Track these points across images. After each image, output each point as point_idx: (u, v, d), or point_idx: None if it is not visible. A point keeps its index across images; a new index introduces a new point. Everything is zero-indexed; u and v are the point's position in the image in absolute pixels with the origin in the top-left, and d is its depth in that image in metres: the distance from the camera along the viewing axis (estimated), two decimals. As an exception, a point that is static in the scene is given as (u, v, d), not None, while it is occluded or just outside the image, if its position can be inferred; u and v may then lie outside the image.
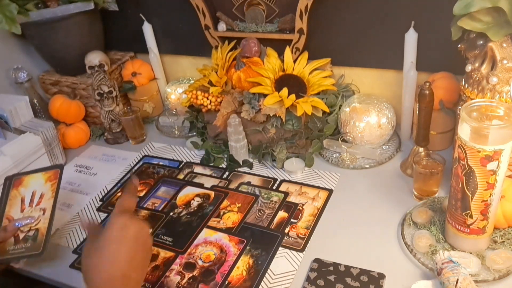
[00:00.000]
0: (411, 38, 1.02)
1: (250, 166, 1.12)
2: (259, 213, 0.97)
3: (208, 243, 0.91)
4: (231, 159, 1.13)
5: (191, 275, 0.85)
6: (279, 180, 1.06)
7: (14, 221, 0.84)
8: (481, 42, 0.85)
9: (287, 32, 1.14)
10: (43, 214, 0.85)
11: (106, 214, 1.03)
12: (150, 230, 0.70)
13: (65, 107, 1.28)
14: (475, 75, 0.85)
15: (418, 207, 0.90)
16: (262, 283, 0.81)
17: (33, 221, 0.83)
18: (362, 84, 1.17)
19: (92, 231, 0.68)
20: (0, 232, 0.81)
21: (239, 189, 1.05)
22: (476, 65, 0.85)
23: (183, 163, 1.18)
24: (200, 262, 0.87)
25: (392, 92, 1.15)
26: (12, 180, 0.93)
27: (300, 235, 0.90)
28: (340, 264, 0.82)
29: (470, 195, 0.72)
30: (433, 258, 0.77)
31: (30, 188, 0.90)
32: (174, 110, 1.34)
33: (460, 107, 0.87)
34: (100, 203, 1.08)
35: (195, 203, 1.02)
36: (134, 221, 0.66)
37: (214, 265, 0.86)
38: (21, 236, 0.83)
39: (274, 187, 1.04)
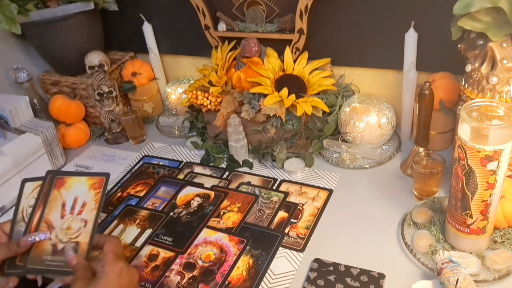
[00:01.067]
0: (411, 38, 1.02)
1: (250, 166, 1.12)
2: (259, 213, 0.97)
3: (208, 243, 0.91)
4: (231, 159, 1.13)
5: (191, 275, 0.85)
6: (279, 180, 1.06)
7: (28, 235, 0.75)
8: (481, 42, 0.85)
9: (287, 32, 1.14)
10: (84, 226, 0.76)
11: (105, 214, 1.03)
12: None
13: (65, 107, 1.28)
14: (475, 75, 0.85)
15: (418, 207, 0.90)
16: (262, 283, 0.81)
17: (48, 236, 0.75)
18: (362, 84, 1.17)
19: (81, 273, 0.69)
20: (13, 245, 0.74)
21: (239, 189, 1.05)
22: (476, 65, 0.85)
23: (183, 163, 1.18)
24: (200, 262, 0.87)
25: (392, 92, 1.15)
26: (54, 179, 0.81)
27: (300, 235, 0.90)
28: (340, 264, 0.82)
29: (470, 195, 0.72)
30: (433, 258, 0.77)
31: (73, 192, 0.79)
32: (174, 110, 1.34)
33: (460, 107, 0.87)
34: (100, 203, 1.08)
35: (195, 203, 1.02)
36: (129, 269, 0.70)
37: (214, 265, 0.86)
38: (60, 246, 0.75)
39: (274, 187, 1.04)
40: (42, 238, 0.75)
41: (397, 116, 1.10)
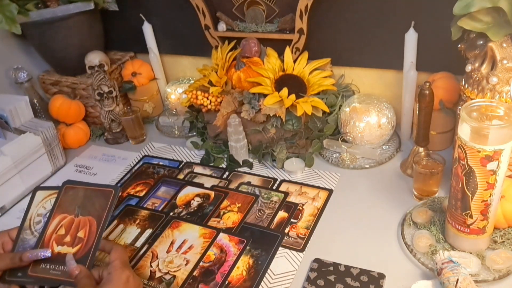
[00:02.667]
0: (411, 38, 1.02)
1: (250, 166, 1.12)
2: (259, 213, 0.97)
3: (208, 243, 0.91)
4: (231, 159, 1.13)
5: (191, 275, 0.85)
6: (279, 180, 1.06)
7: (30, 251, 0.73)
8: (481, 42, 0.85)
9: (287, 32, 1.14)
10: (185, 265, 0.85)
11: (106, 214, 1.03)
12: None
13: (65, 107, 1.28)
14: (475, 75, 0.85)
15: (418, 207, 0.90)
16: (262, 283, 0.81)
17: (48, 254, 0.73)
18: (362, 84, 1.17)
19: (84, 281, 0.68)
20: (16, 258, 0.73)
21: (239, 189, 1.05)
22: (476, 65, 0.85)
23: (183, 163, 1.18)
24: (200, 262, 0.87)
25: (392, 92, 1.15)
26: (171, 221, 0.96)
27: (300, 235, 0.90)
28: (340, 264, 0.82)
29: (470, 195, 0.72)
30: (433, 258, 0.77)
31: (184, 235, 0.92)
32: (174, 110, 1.34)
33: (460, 107, 0.87)
34: (100, 203, 1.08)
35: (195, 203, 1.02)
36: (135, 277, 0.70)
37: (214, 265, 0.86)
38: (157, 275, 0.81)
39: (274, 187, 1.04)
40: (44, 256, 0.73)
41: (397, 116, 1.10)
